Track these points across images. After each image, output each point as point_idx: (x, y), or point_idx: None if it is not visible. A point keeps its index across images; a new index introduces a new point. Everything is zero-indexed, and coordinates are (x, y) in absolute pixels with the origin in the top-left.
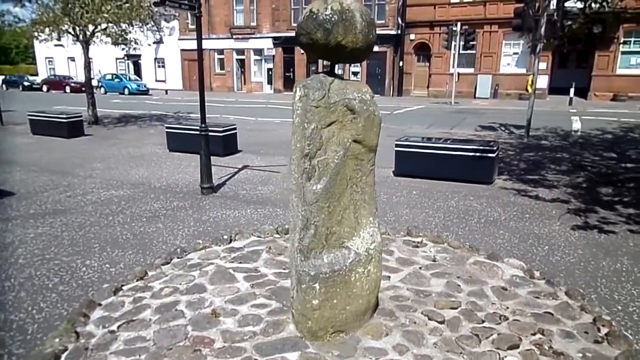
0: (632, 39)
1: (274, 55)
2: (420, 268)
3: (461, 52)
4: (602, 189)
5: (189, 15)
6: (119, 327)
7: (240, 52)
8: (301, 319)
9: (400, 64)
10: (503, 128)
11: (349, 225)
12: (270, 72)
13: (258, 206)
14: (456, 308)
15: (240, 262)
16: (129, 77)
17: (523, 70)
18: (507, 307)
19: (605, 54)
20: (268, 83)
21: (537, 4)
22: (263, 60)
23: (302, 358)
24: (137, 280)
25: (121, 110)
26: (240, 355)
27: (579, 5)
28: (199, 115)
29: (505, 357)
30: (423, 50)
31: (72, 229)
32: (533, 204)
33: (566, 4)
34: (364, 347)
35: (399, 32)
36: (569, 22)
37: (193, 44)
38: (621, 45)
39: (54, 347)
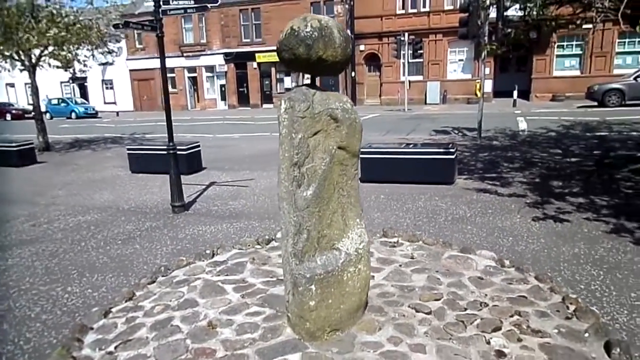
0: (565, 43)
1: (226, 72)
2: (400, 266)
3: (410, 61)
4: (553, 182)
5: (136, 35)
6: (116, 347)
7: (192, 69)
8: (298, 321)
9: (353, 74)
10: (456, 131)
11: (338, 227)
12: (223, 88)
13: (233, 220)
14: (439, 299)
15: (226, 275)
16: (75, 101)
17: (469, 76)
18: (486, 295)
19: (542, 57)
20: (222, 99)
21: (480, 14)
22: (215, 77)
23: (305, 358)
24: (125, 301)
25: (71, 135)
26: None
27: (519, 13)
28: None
29: (491, 338)
30: (373, 61)
31: (44, 257)
32: (494, 200)
33: (506, 13)
34: (361, 342)
35: None
36: (509, 30)
37: (143, 64)
38: (556, 49)
39: None
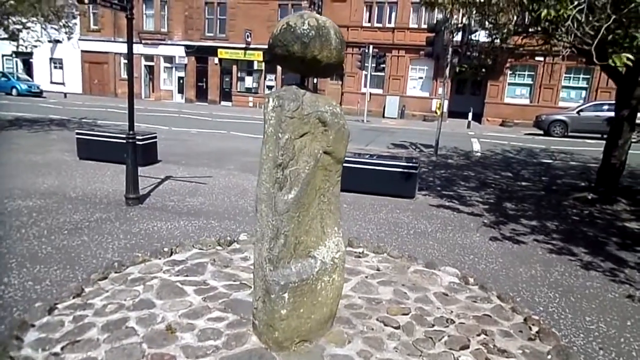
0: (517, 72)
1: (186, 64)
2: (366, 277)
3: (372, 73)
4: (507, 204)
5: (91, 13)
6: (62, 348)
7: (149, 58)
8: (266, 330)
9: (315, 81)
10: (413, 147)
11: (315, 234)
12: (181, 81)
13: (191, 218)
14: (407, 314)
15: (186, 275)
16: (18, 77)
17: (427, 94)
18: (452, 311)
19: (495, 83)
20: (179, 92)
21: (446, 36)
22: (174, 69)
23: None
24: (73, 298)
25: (11, 113)
26: None
27: (483, 39)
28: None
29: (460, 357)
30: None
31: None
32: (453, 217)
33: (471, 37)
34: (330, 355)
35: None
36: (474, 54)
37: (96, 46)
38: (508, 77)
39: None
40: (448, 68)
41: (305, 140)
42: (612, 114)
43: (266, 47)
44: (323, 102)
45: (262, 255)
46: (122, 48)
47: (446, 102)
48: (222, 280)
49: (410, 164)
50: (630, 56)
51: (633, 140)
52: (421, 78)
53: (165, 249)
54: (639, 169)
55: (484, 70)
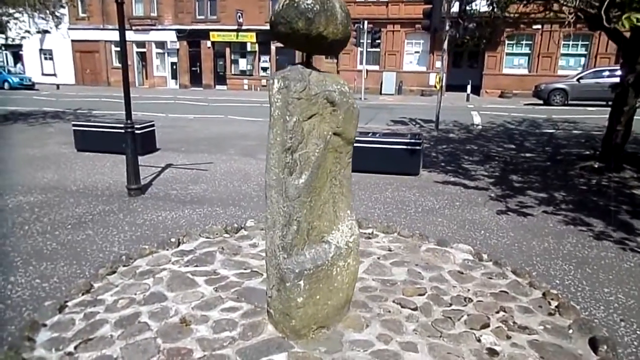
0: (515, 42)
1: (178, 49)
2: (379, 258)
3: (368, 50)
4: (512, 177)
5: (79, 1)
6: (76, 347)
7: (141, 44)
8: (283, 318)
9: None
10: (413, 122)
11: (328, 219)
12: (174, 67)
13: (195, 206)
14: (423, 294)
15: (196, 266)
16: (9, 70)
17: (424, 68)
18: (468, 290)
19: (493, 54)
20: (173, 78)
21: (444, 6)
22: (166, 54)
23: (291, 358)
24: (82, 294)
25: (5, 107)
26: None
27: (483, 8)
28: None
29: (481, 335)
30: None
31: None
32: (459, 192)
33: (468, 7)
34: (349, 341)
35: None
36: (472, 24)
37: (86, 34)
38: (506, 48)
39: None
40: (446, 40)
41: (314, 121)
42: (613, 80)
43: (259, 27)
44: (331, 81)
45: (275, 242)
46: (113, 35)
47: (444, 76)
48: (233, 269)
49: (414, 141)
50: None
51: (638, 106)
52: (417, 52)
53: (173, 240)
54: None
55: (484, 41)
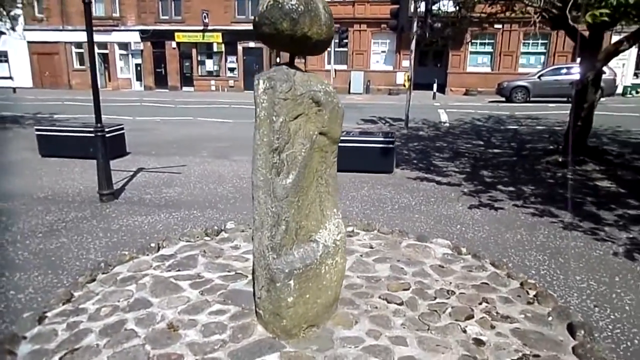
0: (478, 41)
1: (142, 50)
2: (361, 256)
3: (336, 49)
4: (483, 172)
5: (35, 2)
6: (61, 358)
7: (103, 45)
8: (273, 318)
9: (278, 59)
10: (383, 121)
11: (315, 218)
12: (139, 68)
13: (171, 210)
14: (408, 289)
15: (178, 270)
16: None
17: (390, 68)
18: (450, 282)
19: (457, 54)
20: (137, 80)
21: (410, 6)
22: (130, 55)
23: (284, 358)
24: (63, 304)
25: None
26: None
27: (450, 8)
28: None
29: (466, 327)
30: None
31: None
32: (433, 189)
33: (434, 7)
34: (340, 338)
35: None
36: (438, 24)
37: (44, 36)
38: (470, 47)
39: None
40: (414, 40)
41: (300, 122)
42: (571, 77)
43: (225, 27)
44: (315, 81)
45: (263, 243)
46: (73, 37)
47: (406, 75)
48: (217, 272)
49: (387, 139)
50: (606, 10)
51: (597, 102)
52: (384, 52)
53: (152, 245)
54: (602, 130)
55: (451, 40)
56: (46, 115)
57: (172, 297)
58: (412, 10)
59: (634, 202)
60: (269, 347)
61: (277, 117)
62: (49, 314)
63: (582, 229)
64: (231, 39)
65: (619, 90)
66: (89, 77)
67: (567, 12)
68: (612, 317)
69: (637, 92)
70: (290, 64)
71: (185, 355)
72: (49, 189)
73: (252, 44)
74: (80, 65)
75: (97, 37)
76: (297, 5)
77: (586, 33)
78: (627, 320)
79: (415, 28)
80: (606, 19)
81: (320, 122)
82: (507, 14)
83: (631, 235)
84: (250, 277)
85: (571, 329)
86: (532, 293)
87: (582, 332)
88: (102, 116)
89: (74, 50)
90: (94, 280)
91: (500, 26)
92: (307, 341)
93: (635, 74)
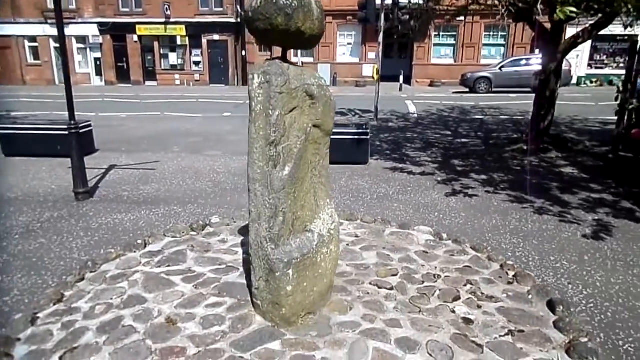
0: (441, 33)
1: (101, 44)
2: (348, 245)
3: None
4: (454, 161)
5: None
6: (61, 358)
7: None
8: (272, 308)
9: (243, 53)
10: (352, 113)
11: (310, 208)
12: (98, 62)
13: (151, 206)
14: (396, 275)
15: (168, 266)
16: None
17: (357, 60)
18: (435, 267)
19: (421, 45)
20: (97, 74)
21: None
22: (89, 49)
23: (286, 345)
24: (54, 304)
25: None
26: (221, 356)
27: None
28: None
29: (455, 307)
30: None
31: None
32: (409, 178)
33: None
34: (337, 323)
35: (239, 20)
36: (405, 17)
37: None
38: (433, 39)
39: None
40: (382, 33)
41: (295, 115)
42: (530, 68)
43: (189, 20)
44: (308, 75)
45: (261, 235)
46: (26, 30)
47: (375, 67)
48: (207, 266)
49: (362, 131)
50: (573, 8)
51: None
52: (350, 44)
53: (139, 241)
54: (561, 119)
55: (418, 32)
56: (3, 112)
57: (166, 292)
58: (379, 2)
59: (596, 186)
60: (270, 335)
61: (273, 111)
62: (40, 315)
63: (552, 213)
64: (195, 32)
65: (574, 80)
66: (45, 73)
67: (539, 5)
68: (584, 292)
69: (590, 82)
70: (283, 59)
71: (187, 348)
72: (18, 189)
73: (216, 37)
74: (35, 60)
75: (53, 30)
76: (291, 1)
77: (548, 25)
78: (599, 295)
79: (382, 20)
80: (574, 15)
81: (314, 114)
82: (474, 6)
83: (596, 217)
84: (241, 269)
85: (551, 305)
86: (512, 274)
87: (562, 307)
88: (64, 113)
89: (27, 44)
90: (82, 279)
91: (462, 18)
92: (306, 328)
93: (589, 65)
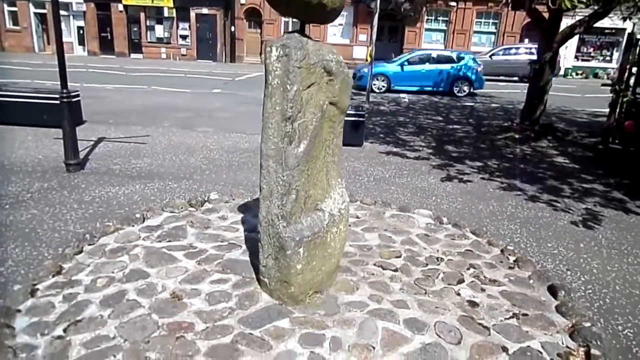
0: (433, 18)
1: (84, 12)
2: (350, 225)
3: (293, 20)
4: (448, 147)
5: None
6: (65, 330)
7: (40, 4)
8: (280, 286)
9: (232, 29)
10: None
11: (321, 187)
12: (81, 31)
13: (145, 180)
14: (399, 256)
15: (169, 241)
16: None
17: (347, 41)
18: (437, 250)
19: (412, 30)
20: (80, 44)
21: None
22: (71, 17)
23: (295, 323)
24: (53, 276)
25: None
26: (230, 332)
27: None
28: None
29: (459, 290)
30: (254, 16)
31: None
32: (404, 162)
33: None
34: (344, 303)
35: None
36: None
37: None
38: (425, 23)
39: None
40: (376, 15)
41: (312, 91)
42: (519, 57)
43: None
44: (327, 51)
45: (272, 212)
46: None
47: (366, 49)
48: (209, 242)
49: (358, 113)
50: None
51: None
52: (341, 25)
53: (137, 215)
54: (550, 109)
55: (412, 15)
56: None
57: (169, 267)
58: None
59: (587, 176)
60: (278, 313)
61: (291, 86)
62: (40, 287)
63: (545, 201)
64: (183, 4)
65: (561, 72)
66: (24, 39)
67: None
68: (582, 279)
69: (577, 74)
70: (301, 32)
71: (195, 323)
72: (4, 157)
73: (205, 11)
74: (14, 25)
75: None
76: None
77: (546, 15)
78: (597, 282)
79: (378, 1)
80: (582, 5)
81: (331, 92)
82: None
83: (588, 207)
84: (244, 247)
85: (552, 290)
86: (512, 259)
87: (563, 292)
88: (46, 82)
89: (6, 8)
90: (81, 251)
91: (454, 3)
92: (313, 306)
93: (576, 57)
